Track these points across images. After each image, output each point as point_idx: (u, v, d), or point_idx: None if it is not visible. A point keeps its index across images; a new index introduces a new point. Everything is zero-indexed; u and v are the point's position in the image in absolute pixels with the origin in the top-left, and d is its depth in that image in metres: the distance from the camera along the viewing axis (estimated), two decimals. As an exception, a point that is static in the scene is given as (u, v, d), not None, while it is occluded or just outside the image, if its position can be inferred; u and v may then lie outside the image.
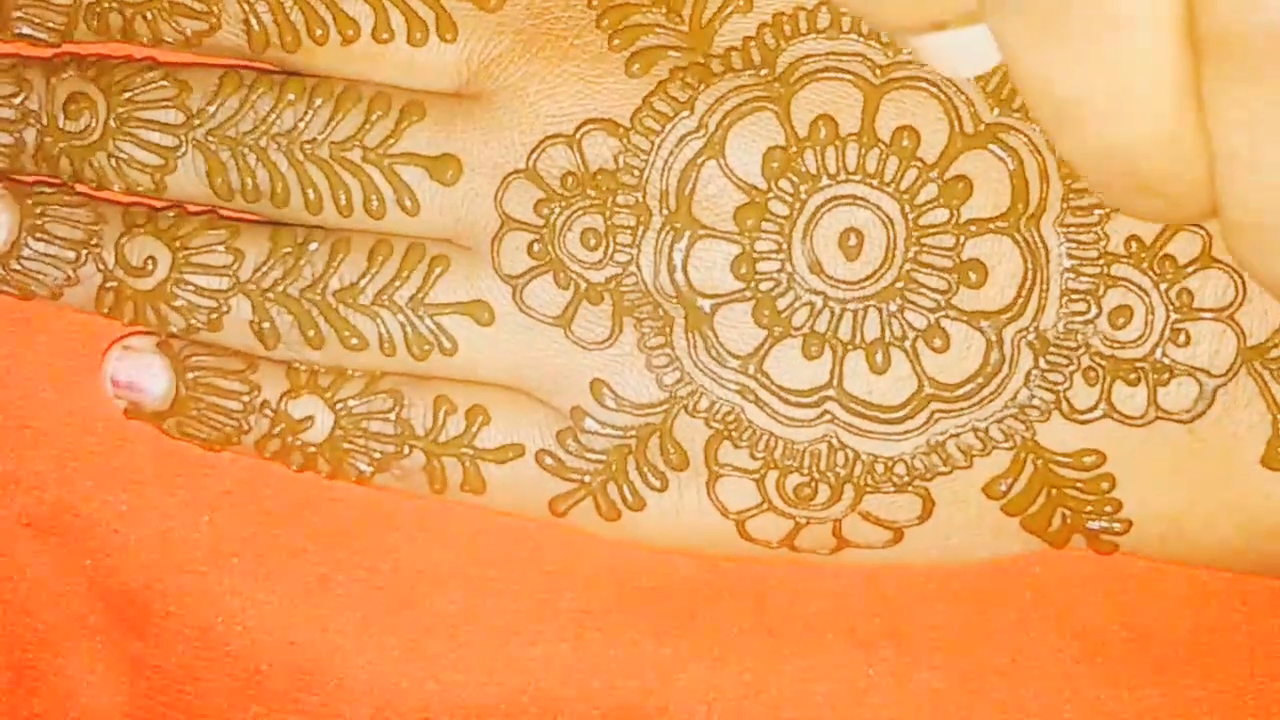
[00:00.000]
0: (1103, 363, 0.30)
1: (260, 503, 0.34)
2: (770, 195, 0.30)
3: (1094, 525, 0.31)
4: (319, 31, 0.32)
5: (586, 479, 0.32)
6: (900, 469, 0.31)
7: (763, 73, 0.31)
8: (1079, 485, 0.31)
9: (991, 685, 0.34)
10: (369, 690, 0.34)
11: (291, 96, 0.32)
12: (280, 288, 0.32)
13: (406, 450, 0.32)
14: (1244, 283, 0.30)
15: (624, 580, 0.34)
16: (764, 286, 0.31)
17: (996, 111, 0.30)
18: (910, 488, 0.31)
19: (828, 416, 0.31)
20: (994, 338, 0.30)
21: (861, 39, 0.30)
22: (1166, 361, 0.30)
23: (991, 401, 0.30)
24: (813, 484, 0.31)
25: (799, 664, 0.34)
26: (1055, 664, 0.34)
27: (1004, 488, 0.31)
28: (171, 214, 0.32)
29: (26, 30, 0.32)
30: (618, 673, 0.34)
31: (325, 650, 0.34)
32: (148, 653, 0.35)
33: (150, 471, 0.34)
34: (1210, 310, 0.30)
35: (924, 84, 0.30)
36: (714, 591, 0.34)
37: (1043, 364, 0.30)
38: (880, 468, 0.31)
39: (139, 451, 0.34)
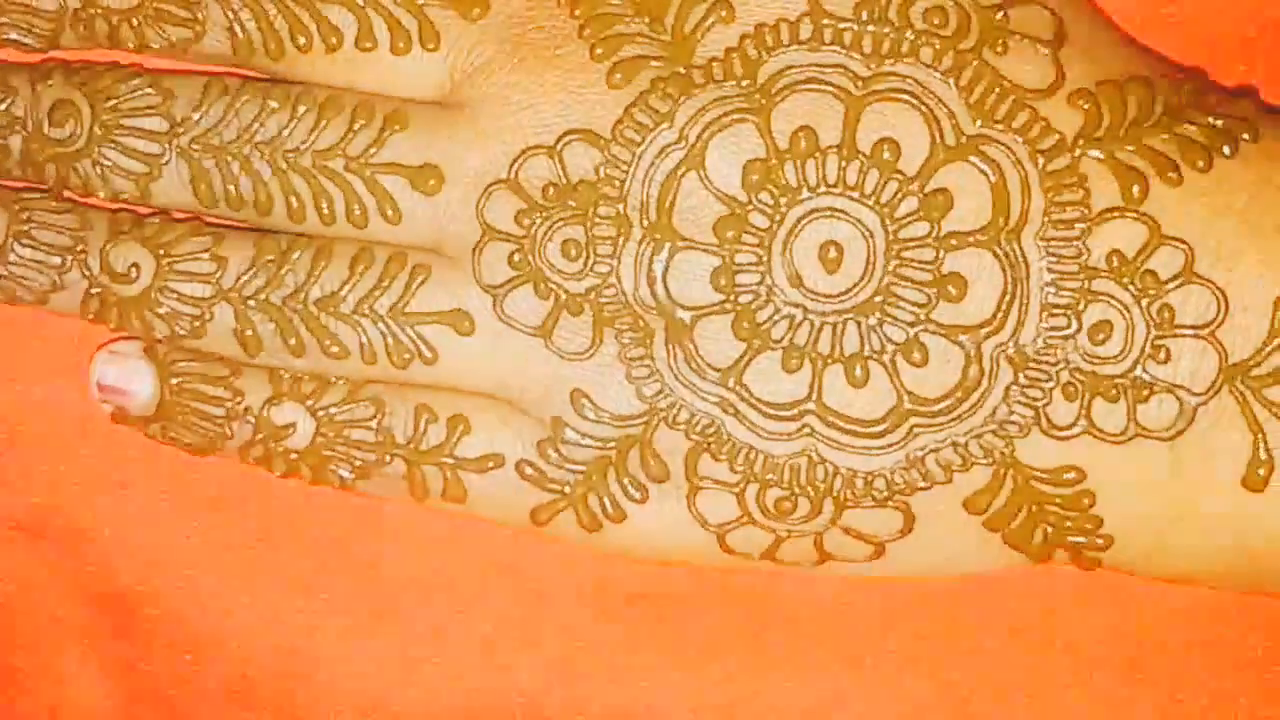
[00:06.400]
0: (1082, 379, 0.30)
1: (249, 507, 0.34)
2: (750, 207, 0.30)
3: (1075, 541, 0.31)
4: (302, 39, 0.32)
5: (567, 490, 0.32)
6: (880, 484, 0.31)
7: (744, 84, 0.30)
8: (1059, 501, 0.30)
9: (979, 696, 0.34)
10: (355, 695, 0.35)
11: (274, 104, 0.32)
12: (262, 295, 0.32)
13: (387, 458, 0.32)
14: (1226, 299, 0.29)
15: (611, 588, 0.34)
16: (743, 299, 0.30)
17: (978, 123, 0.30)
18: (890, 503, 0.31)
19: (807, 430, 0.31)
20: (973, 352, 0.30)
21: (843, 50, 0.30)
22: (1147, 378, 0.30)
23: (970, 417, 0.30)
24: (793, 498, 0.31)
25: (786, 673, 0.34)
26: (1044, 675, 0.34)
27: (984, 503, 0.31)
28: (156, 221, 0.32)
29: (13, 36, 0.32)
30: (604, 680, 0.34)
31: (312, 655, 0.35)
32: (136, 656, 0.35)
33: (140, 475, 0.34)
34: (1191, 327, 0.30)
35: (905, 95, 0.30)
36: (701, 600, 0.34)
37: (1022, 379, 0.30)
38: (860, 482, 0.31)
39: (128, 455, 0.34)
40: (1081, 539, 0.31)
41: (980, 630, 0.34)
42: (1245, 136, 0.30)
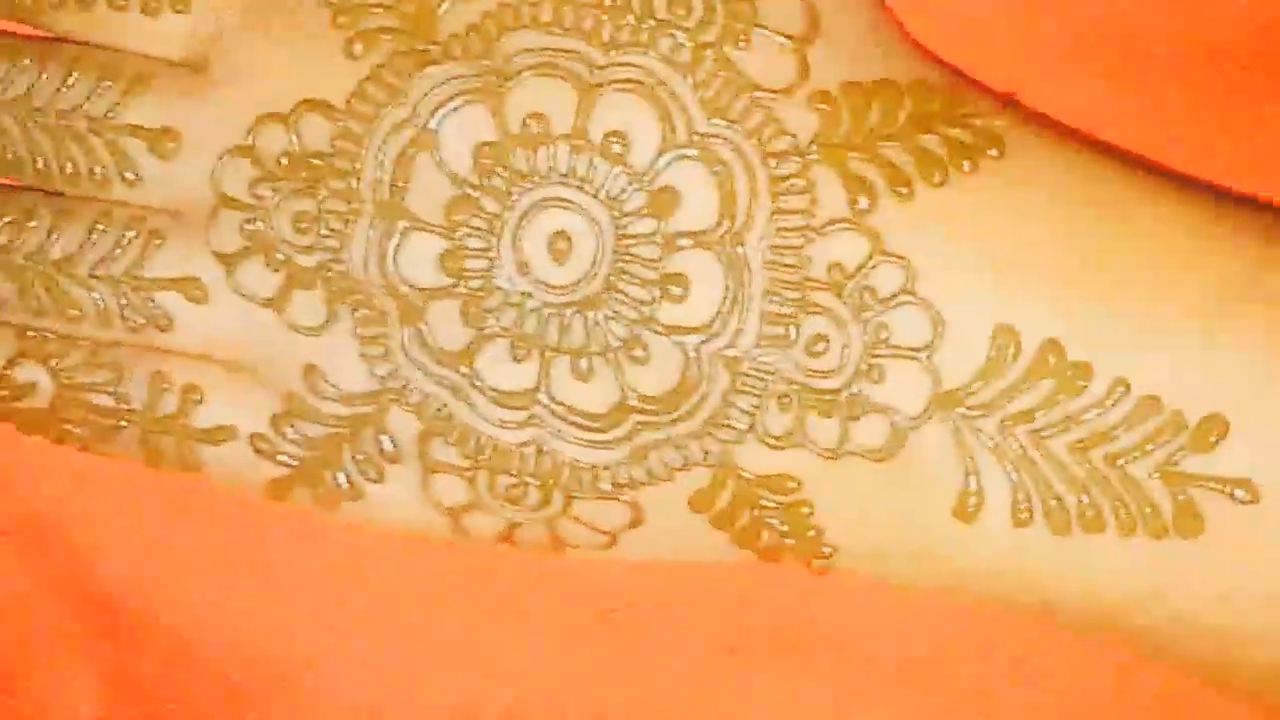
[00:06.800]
0: (797, 390, 0.29)
1: (237, 511, 0.34)
2: (481, 192, 0.30)
3: (798, 546, 0.30)
4: None
5: (302, 465, 0.31)
6: (605, 477, 0.30)
7: (482, 63, 0.29)
8: (778, 508, 0.30)
9: (969, 709, 0.34)
10: (344, 699, 0.35)
11: (26, 61, 0.31)
12: (5, 255, 0.31)
13: (122, 423, 0.32)
14: (943, 323, 0.28)
15: (597, 594, 0.34)
16: (472, 284, 0.30)
17: (711, 121, 0.29)
18: (617, 496, 0.30)
19: (535, 420, 0.30)
20: (693, 354, 0.29)
21: (582, 36, 0.29)
22: (860, 396, 0.29)
23: (690, 418, 0.30)
24: (523, 485, 0.31)
25: (765, 684, 0.34)
26: (1028, 684, 0.34)
27: (707, 503, 0.30)
28: None
29: None
30: (590, 686, 0.34)
31: (301, 659, 0.35)
32: (123, 661, 0.35)
33: (126, 479, 0.34)
34: (906, 348, 0.29)
35: (639, 87, 0.29)
36: (689, 606, 0.34)
37: (738, 385, 0.29)
38: (586, 475, 0.30)
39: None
40: (803, 545, 0.30)
41: (973, 641, 0.33)
42: (991, 153, 0.29)
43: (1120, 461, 0.28)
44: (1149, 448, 0.28)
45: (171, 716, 0.35)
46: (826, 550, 0.30)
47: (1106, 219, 0.29)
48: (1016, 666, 0.34)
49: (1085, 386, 0.28)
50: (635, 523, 0.31)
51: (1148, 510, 0.28)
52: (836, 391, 0.29)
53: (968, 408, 0.29)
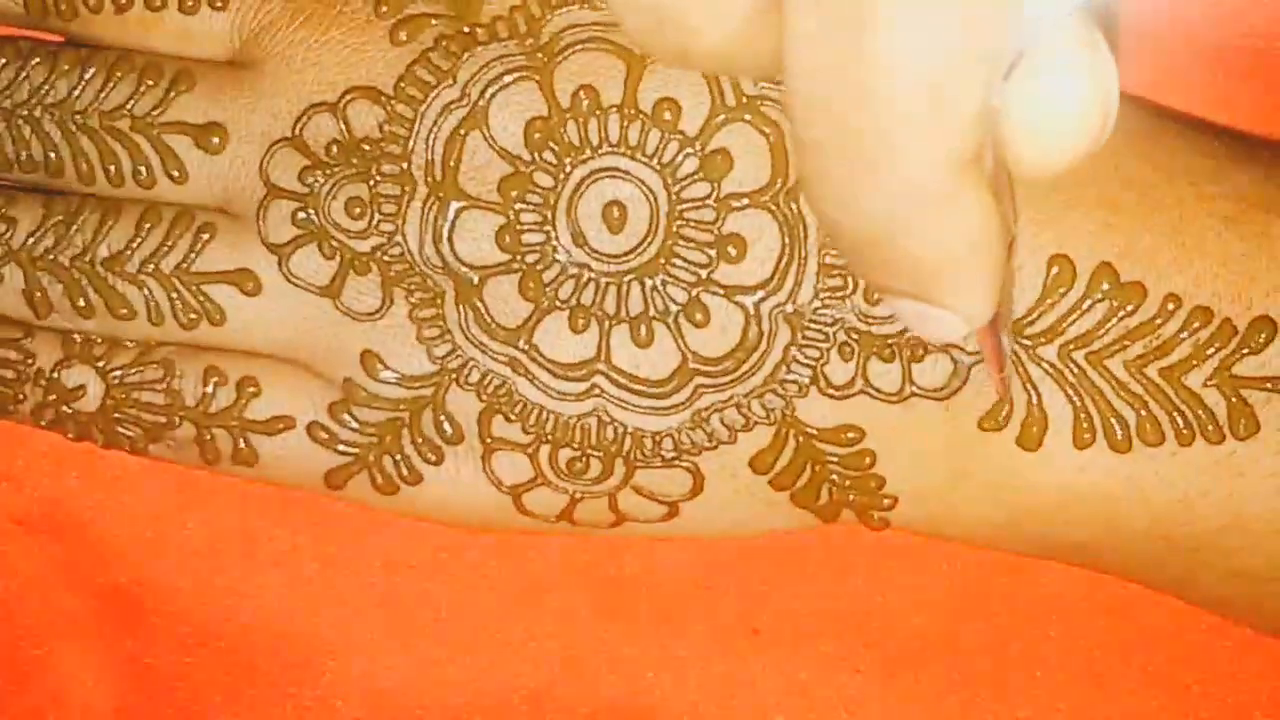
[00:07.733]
0: (858, 338, 0.30)
1: (250, 498, 0.34)
2: (534, 166, 0.30)
3: (859, 500, 0.31)
4: (92, 0, 0.31)
5: (360, 452, 0.31)
6: (667, 444, 0.31)
7: (527, 42, 0.30)
8: (840, 460, 0.30)
9: (980, 689, 0.34)
10: (360, 685, 0.35)
11: (65, 67, 0.31)
12: (51, 256, 0.31)
13: (177, 421, 0.32)
14: None
15: (612, 579, 0.34)
16: (529, 259, 0.30)
17: (758, 84, 0.30)
18: (679, 462, 0.31)
19: (596, 390, 0.31)
20: (753, 312, 0.30)
21: None
22: (921, 337, 0.30)
23: (751, 376, 0.30)
24: (584, 458, 0.31)
25: (787, 665, 0.34)
26: (1045, 668, 0.34)
27: (768, 463, 0.31)
28: None
29: None
30: (605, 671, 0.34)
31: (317, 645, 0.35)
32: (139, 649, 0.35)
33: (140, 468, 0.34)
34: None
35: None
36: (702, 591, 0.34)
37: (800, 339, 0.30)
38: (648, 442, 0.31)
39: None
40: (864, 498, 0.31)
41: (983, 621, 0.34)
42: None
43: (1176, 373, 0.30)
44: (1203, 357, 0.29)
45: (189, 705, 0.34)
46: (886, 501, 0.31)
47: (1136, 149, 0.30)
48: (1035, 643, 0.35)
49: (1139, 305, 0.29)
50: (696, 490, 0.31)
51: (1204, 417, 0.29)
52: (898, 335, 0.30)
53: (1028, 337, 0.30)
